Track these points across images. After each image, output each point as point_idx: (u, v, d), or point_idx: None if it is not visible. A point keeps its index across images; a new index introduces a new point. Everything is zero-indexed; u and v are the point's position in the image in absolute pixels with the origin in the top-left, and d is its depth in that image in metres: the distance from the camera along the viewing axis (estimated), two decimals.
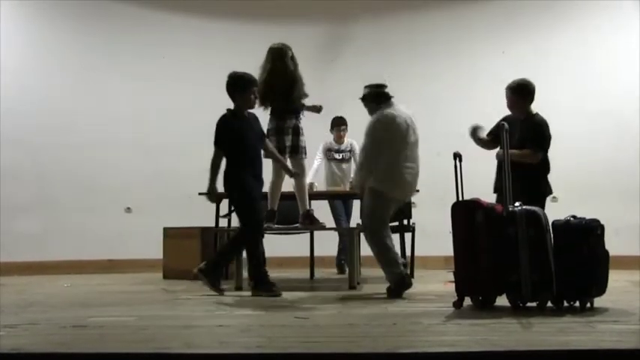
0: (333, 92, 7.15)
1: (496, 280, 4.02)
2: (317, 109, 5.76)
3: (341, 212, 7.06)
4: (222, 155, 5.06)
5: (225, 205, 6.11)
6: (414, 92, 7.48)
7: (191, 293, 5.32)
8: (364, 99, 5.17)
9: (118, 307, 4.57)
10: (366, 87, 5.19)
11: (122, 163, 7.83)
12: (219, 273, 5.19)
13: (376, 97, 5.11)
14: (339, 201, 7.07)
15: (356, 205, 6.92)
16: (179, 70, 8.00)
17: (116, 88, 7.95)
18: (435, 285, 5.23)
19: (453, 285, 4.95)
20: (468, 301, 4.12)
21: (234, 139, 5.07)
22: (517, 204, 4.09)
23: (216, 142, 5.07)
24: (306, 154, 5.69)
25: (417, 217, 6.52)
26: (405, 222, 6.29)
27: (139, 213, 7.78)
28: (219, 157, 5.06)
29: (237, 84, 5.08)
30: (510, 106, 5.17)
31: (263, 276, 5.10)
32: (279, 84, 5.39)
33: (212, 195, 5.10)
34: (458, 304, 4.09)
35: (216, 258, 5.25)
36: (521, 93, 5.12)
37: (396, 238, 5.99)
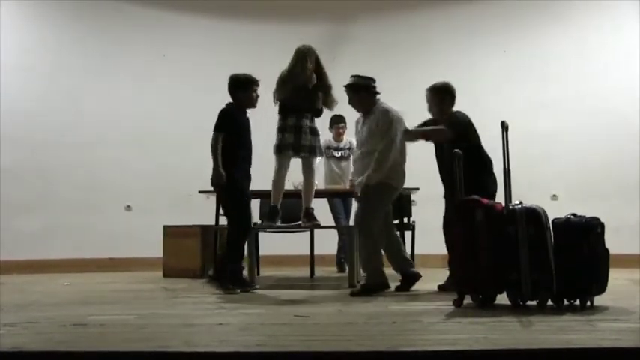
0: (332, 91, 7.12)
1: (496, 279, 4.02)
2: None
3: (340, 210, 7.04)
4: (221, 141, 5.10)
5: None
6: (414, 91, 7.47)
7: (191, 292, 5.32)
8: (356, 88, 5.17)
9: (118, 306, 4.57)
10: (358, 77, 5.22)
11: (122, 161, 7.82)
12: (228, 275, 5.20)
13: (373, 90, 5.17)
14: (339, 199, 7.05)
15: (355, 203, 6.93)
16: (180, 69, 7.99)
17: (116, 87, 7.94)
18: (435, 283, 5.20)
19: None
20: (468, 300, 4.11)
21: (235, 132, 5.18)
22: (517, 202, 4.08)
23: (218, 129, 5.13)
24: (322, 154, 5.84)
25: (417, 215, 6.52)
26: (405, 220, 6.29)
27: (139, 211, 7.77)
28: (219, 142, 5.11)
29: (239, 84, 5.23)
30: (430, 107, 5.29)
31: (237, 272, 5.22)
32: (297, 84, 5.45)
33: (219, 177, 5.09)
34: (458, 303, 4.08)
35: (219, 265, 5.32)
36: (438, 94, 5.24)
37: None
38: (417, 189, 6.30)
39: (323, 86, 5.57)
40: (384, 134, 5.02)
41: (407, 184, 6.16)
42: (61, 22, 8.03)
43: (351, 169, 7.04)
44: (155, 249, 6.75)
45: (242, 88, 5.24)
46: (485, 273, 4.02)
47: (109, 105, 7.88)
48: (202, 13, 8.13)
